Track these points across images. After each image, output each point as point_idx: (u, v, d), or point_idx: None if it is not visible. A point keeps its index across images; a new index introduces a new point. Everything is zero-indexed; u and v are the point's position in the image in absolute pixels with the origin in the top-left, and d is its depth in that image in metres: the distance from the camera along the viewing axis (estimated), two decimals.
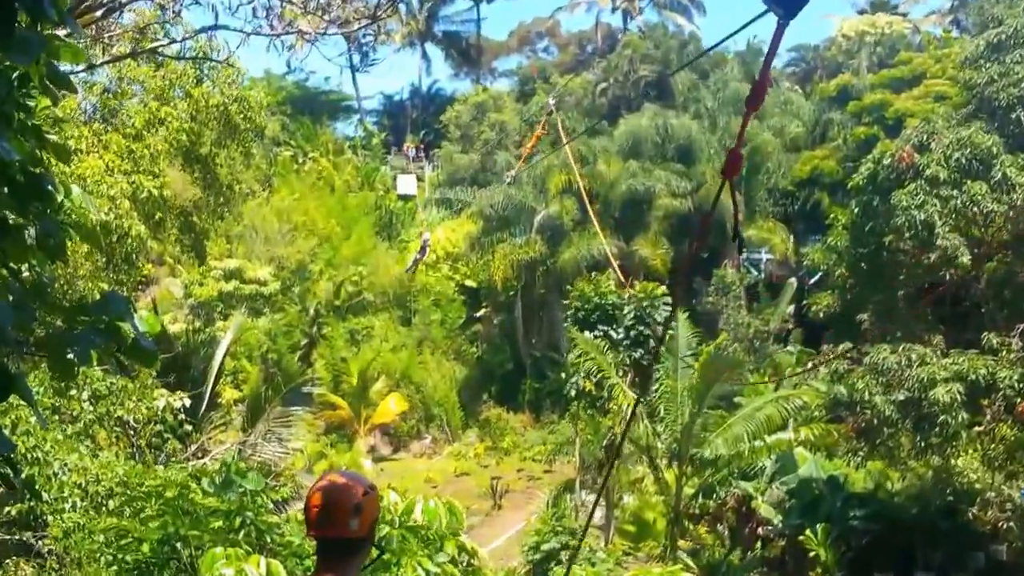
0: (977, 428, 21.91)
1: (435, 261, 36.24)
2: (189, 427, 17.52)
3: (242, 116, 20.35)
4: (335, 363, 33.89)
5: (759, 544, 23.93)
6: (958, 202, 22.20)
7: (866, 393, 22.15)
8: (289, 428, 20.65)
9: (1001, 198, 21.87)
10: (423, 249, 32.51)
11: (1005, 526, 22.12)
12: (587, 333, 26.10)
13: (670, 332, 23.28)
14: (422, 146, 49.51)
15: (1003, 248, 23.53)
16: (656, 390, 23.42)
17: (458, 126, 42.02)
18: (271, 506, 10.91)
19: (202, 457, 17.83)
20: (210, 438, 20.30)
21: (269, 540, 8.74)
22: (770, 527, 24.46)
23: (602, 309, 27.65)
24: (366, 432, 32.93)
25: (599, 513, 25.84)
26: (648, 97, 41.82)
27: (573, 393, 25.71)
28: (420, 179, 43.48)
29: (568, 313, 28.72)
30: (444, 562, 8.97)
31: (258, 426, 20.71)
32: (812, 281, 34.11)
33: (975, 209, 22.05)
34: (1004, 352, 21.60)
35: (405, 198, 41.15)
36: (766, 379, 29.12)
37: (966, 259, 22.43)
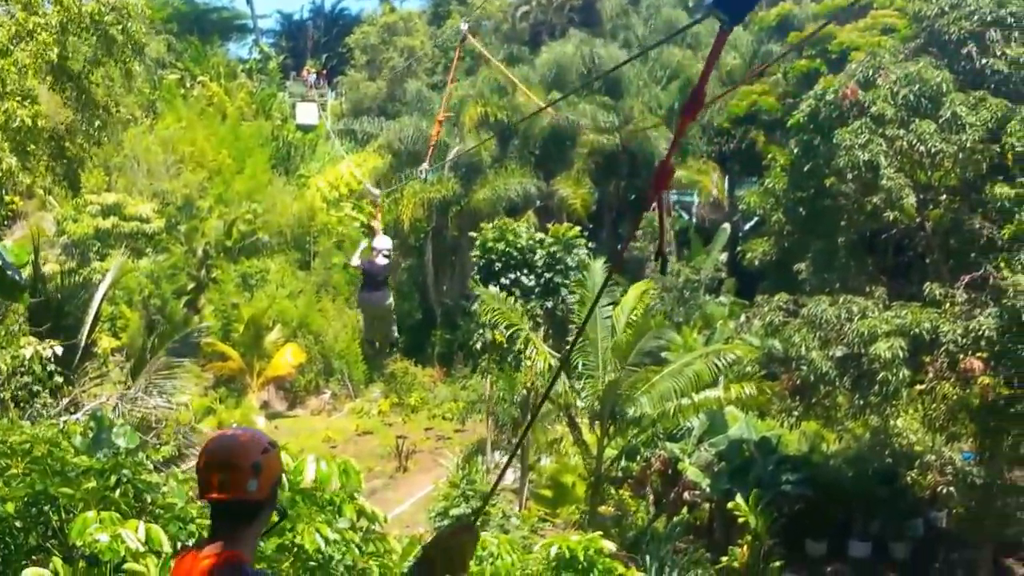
0: (918, 386, 22.05)
1: (338, 199, 35.43)
2: (60, 379, 17.04)
3: (120, 28, 19.60)
4: (225, 310, 33.02)
5: (685, 509, 23.98)
6: (904, 142, 22.16)
7: (803, 348, 22.16)
8: (173, 380, 20.20)
9: (950, 138, 21.86)
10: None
11: (945, 491, 22.39)
12: (498, 282, 25.79)
13: (586, 279, 23.06)
14: (324, 72, 48.31)
15: (950, 193, 23.63)
16: (573, 343, 23.24)
17: (364, 50, 41.10)
18: (151, 466, 10.55)
19: (75, 412, 17.35)
20: (85, 391, 19.66)
21: (149, 502, 8.40)
22: (697, 492, 24.49)
23: (510, 255, 27.27)
24: (259, 386, 32.27)
25: (513, 476, 25.68)
26: (573, 23, 41.24)
27: (479, 346, 25.38)
28: (322, 108, 42.35)
29: (473, 258, 28.32)
30: (344, 528, 8.72)
31: (139, 378, 20.33)
32: (747, 226, 34.16)
33: (922, 149, 22.02)
34: (948, 305, 21.71)
35: (305, 128, 40.02)
36: (696, 332, 29.10)
37: (911, 202, 22.47)
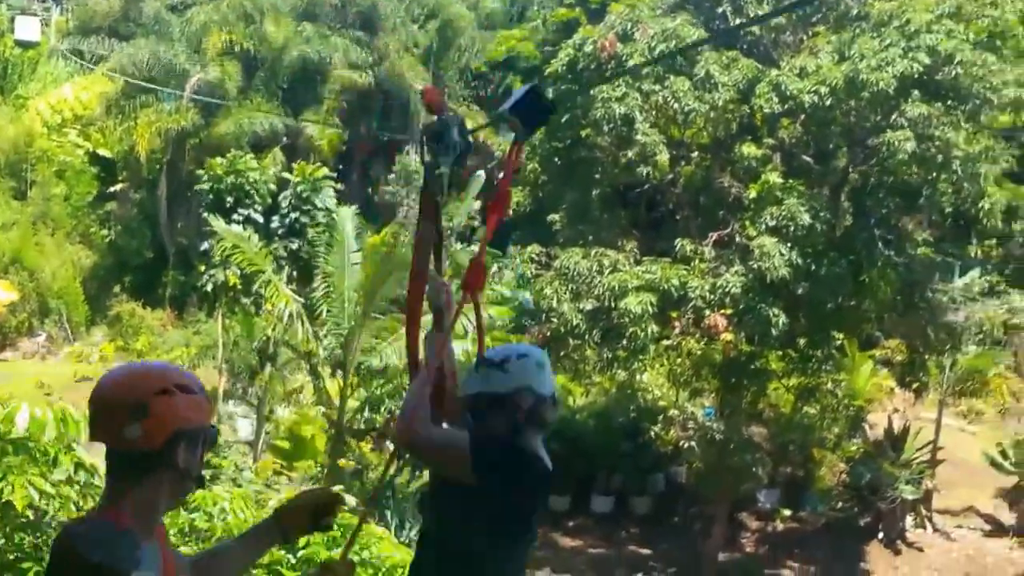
0: (665, 342, 23.12)
1: (60, 124, 33.66)
2: None
3: None
4: None
5: None
6: (660, 98, 22.79)
7: (554, 300, 22.70)
8: None
9: (703, 96, 22.61)
10: None
11: (686, 446, 23.64)
12: (229, 219, 25.32)
13: (334, 222, 23.00)
14: None
15: (702, 151, 24.63)
16: (319, 288, 23.17)
17: None
18: None
19: None
20: None
21: None
22: None
23: (242, 190, 26.87)
24: None
25: (249, 427, 25.43)
26: None
27: (210, 288, 24.95)
28: (45, 24, 39.99)
29: (202, 189, 27.74)
30: (60, 480, 8.45)
31: None
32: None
33: (676, 106, 22.78)
34: (696, 262, 22.77)
35: (25, 45, 37.58)
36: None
37: (664, 157, 23.29)
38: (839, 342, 24.31)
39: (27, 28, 37.33)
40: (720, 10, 24.47)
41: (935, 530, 26.11)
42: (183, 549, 12.83)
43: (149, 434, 2.96)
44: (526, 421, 4.09)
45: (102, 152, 33.72)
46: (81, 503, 9.07)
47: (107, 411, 3.04)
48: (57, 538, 3.09)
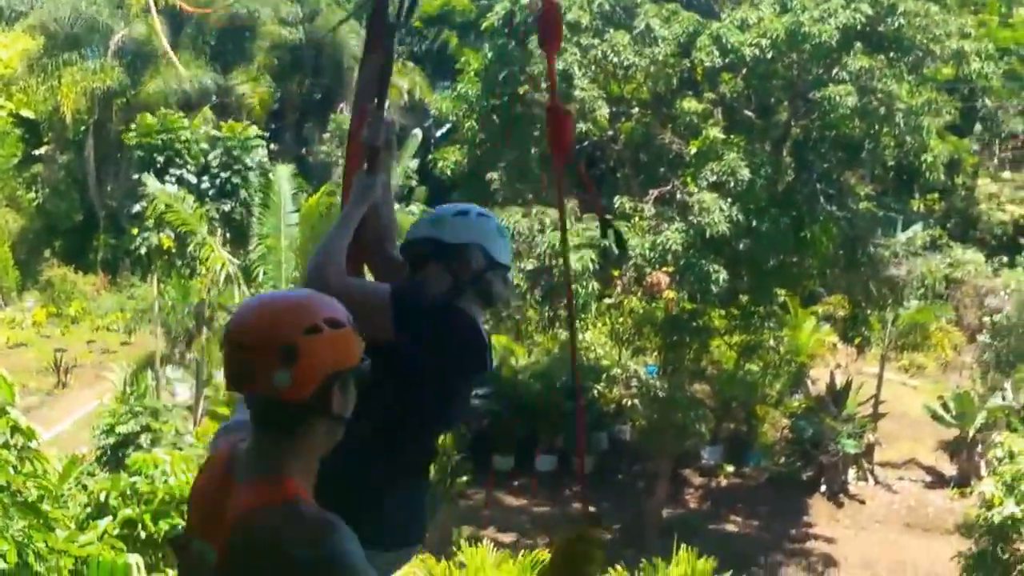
0: (607, 300, 23.24)
1: None
2: None
3: None
4: None
5: None
6: (598, 52, 22.81)
7: None
8: None
9: (643, 51, 22.65)
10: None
11: (629, 404, 23.86)
12: (162, 180, 25.10)
13: (268, 182, 22.86)
14: None
15: (642, 107, 24.67)
16: (255, 250, 23.03)
17: None
18: None
19: None
20: None
21: None
22: None
23: (174, 148, 26.53)
24: None
25: (189, 392, 25.29)
26: None
27: (143, 251, 24.72)
28: None
29: (131, 147, 27.34)
30: None
31: None
32: (439, 133, 34.54)
33: (616, 61, 22.82)
34: (637, 218, 22.90)
35: None
36: None
37: (604, 113, 23.27)
38: (781, 298, 24.61)
39: None
40: None
41: (877, 482, 26.62)
42: (125, 512, 12.80)
43: (299, 381, 2.56)
44: (471, 284, 3.52)
45: (25, 113, 33.05)
46: (19, 467, 9.10)
47: (247, 357, 2.59)
48: (247, 537, 2.57)
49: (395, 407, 3.36)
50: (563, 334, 24.22)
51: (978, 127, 27.34)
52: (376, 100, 3.79)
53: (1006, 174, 30.24)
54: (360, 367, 2.70)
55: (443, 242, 3.51)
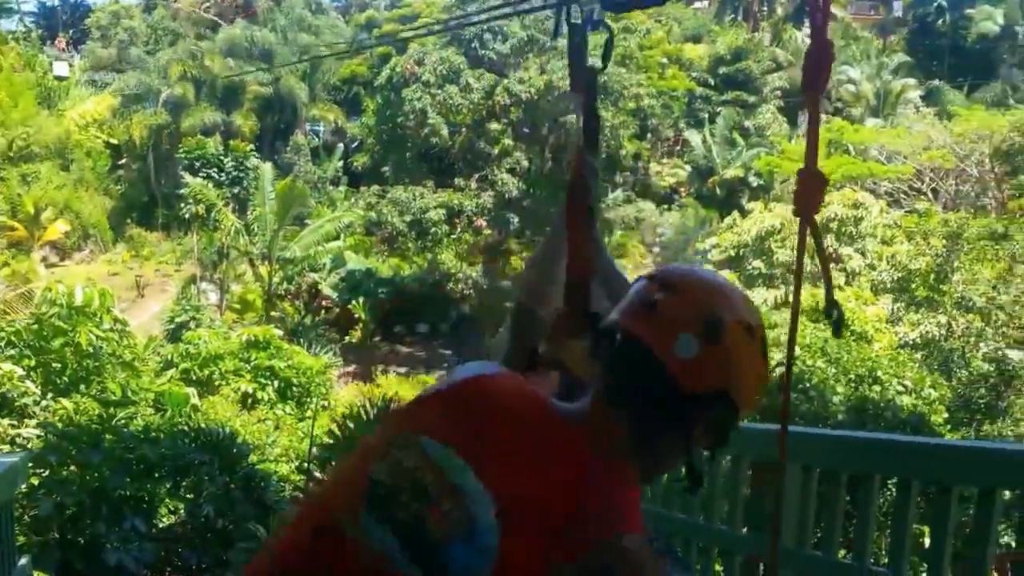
0: (452, 236, 23.89)
1: (86, 124, 31.53)
2: None
3: None
4: (12, 198, 28.81)
5: (323, 312, 24.26)
6: (441, 97, 23.22)
7: (388, 216, 23.21)
8: None
9: (466, 96, 23.19)
10: None
11: (467, 293, 24.50)
12: (197, 175, 25.12)
13: (259, 175, 22.73)
14: (71, 42, 42.15)
15: (467, 128, 25.11)
16: (251, 214, 22.94)
17: (98, 28, 36.12)
18: None
19: None
20: None
21: None
22: (330, 301, 24.82)
23: (204, 158, 26.60)
24: (39, 247, 28.63)
25: (216, 296, 24.99)
26: (238, 14, 38.36)
27: (187, 216, 24.61)
28: (71, 65, 37.12)
29: (181, 156, 27.16)
30: (106, 329, 8.61)
31: None
32: (354, 146, 34.32)
33: (451, 103, 23.28)
34: (467, 191, 23.58)
35: (60, 79, 34.99)
36: (326, 208, 29.19)
37: (445, 133, 23.74)
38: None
39: (61, 68, 35.54)
40: (473, 45, 24.83)
41: None
42: (183, 365, 12.70)
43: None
44: None
45: (112, 140, 31.79)
46: (121, 341, 9.10)
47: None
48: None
49: None
50: (428, 256, 24.35)
51: (649, 135, 28.46)
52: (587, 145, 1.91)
53: (664, 160, 31.48)
54: None
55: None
